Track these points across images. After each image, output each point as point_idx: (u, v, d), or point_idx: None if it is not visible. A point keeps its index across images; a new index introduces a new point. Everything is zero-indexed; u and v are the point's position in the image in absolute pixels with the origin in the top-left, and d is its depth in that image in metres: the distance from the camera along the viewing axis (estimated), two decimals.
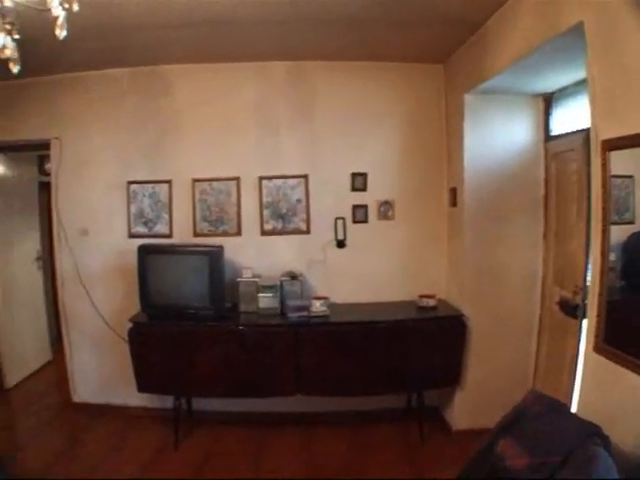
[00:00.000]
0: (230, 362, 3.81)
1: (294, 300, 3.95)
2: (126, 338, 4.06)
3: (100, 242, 4.52)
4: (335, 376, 3.82)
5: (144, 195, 4.37)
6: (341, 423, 4.23)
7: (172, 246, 4.11)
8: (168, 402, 4.23)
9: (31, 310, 5.83)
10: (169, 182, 4.33)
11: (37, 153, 5.66)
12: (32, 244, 5.90)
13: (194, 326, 3.84)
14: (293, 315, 3.86)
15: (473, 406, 3.96)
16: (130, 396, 4.46)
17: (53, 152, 4.59)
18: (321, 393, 3.95)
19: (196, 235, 4.32)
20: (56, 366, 5.81)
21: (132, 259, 4.09)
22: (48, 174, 5.67)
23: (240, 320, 3.93)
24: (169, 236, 4.36)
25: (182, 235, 4.34)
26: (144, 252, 3.92)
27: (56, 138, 4.55)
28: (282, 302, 3.99)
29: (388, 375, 3.85)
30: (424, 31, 3.56)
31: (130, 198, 4.41)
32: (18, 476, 3.01)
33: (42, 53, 3.46)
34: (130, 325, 3.96)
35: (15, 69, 2.03)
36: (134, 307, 4.16)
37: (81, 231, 4.56)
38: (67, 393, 4.87)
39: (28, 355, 5.70)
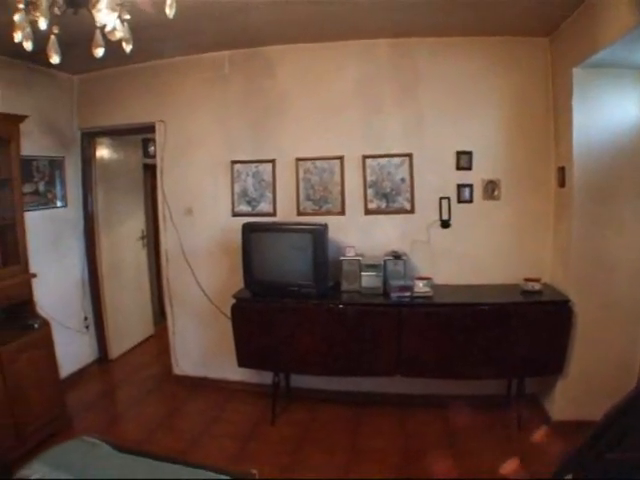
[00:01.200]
0: (331, 340, 3.82)
1: (397, 280, 3.90)
2: (228, 314, 4.18)
3: (204, 221, 4.67)
4: (436, 358, 3.75)
5: (248, 174, 4.45)
6: (437, 406, 4.15)
7: (276, 224, 4.19)
8: (266, 378, 4.34)
9: (136, 286, 6.12)
10: (273, 161, 4.39)
11: (141, 137, 5.92)
12: (137, 223, 6.19)
13: (296, 303, 3.87)
14: (396, 295, 3.81)
15: (576, 396, 3.76)
16: (229, 370, 4.60)
17: (158, 135, 4.76)
18: (421, 375, 3.90)
19: (300, 214, 4.36)
20: (158, 340, 6.12)
21: (235, 237, 4.19)
22: (152, 156, 5.97)
23: (342, 299, 3.93)
24: (273, 215, 4.43)
25: (285, 214, 4.40)
26: (249, 230, 3.99)
27: (161, 121, 4.71)
28: (385, 282, 3.95)
29: (489, 360, 3.72)
30: (530, 2, 3.37)
31: (234, 178, 4.51)
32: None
33: (146, 38, 3.52)
34: (233, 301, 4.05)
35: (128, 48, 2.06)
36: (236, 284, 4.25)
37: (186, 210, 4.71)
38: (168, 365, 5.09)
39: (132, 329, 5.99)
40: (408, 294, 3.80)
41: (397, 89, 4.19)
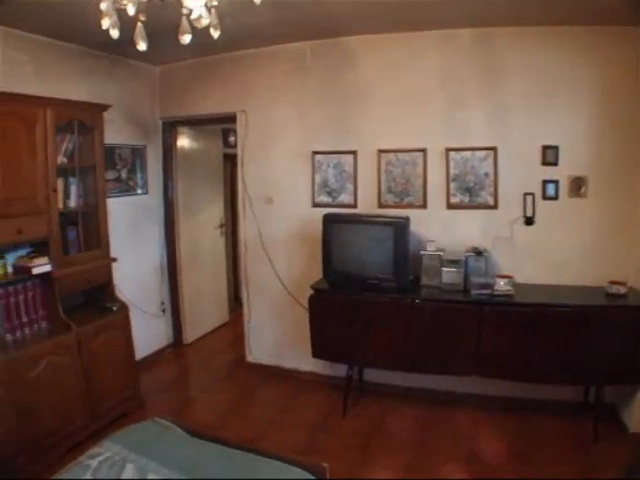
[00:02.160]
0: (408, 336, 3.76)
1: (478, 277, 3.80)
2: (304, 304, 4.21)
3: (284, 210, 4.70)
4: (514, 360, 3.62)
5: (329, 165, 4.45)
6: (509, 409, 4.03)
7: (357, 216, 4.14)
8: (338, 370, 4.35)
9: (212, 274, 6.24)
10: (354, 153, 4.35)
11: (221, 126, 6.01)
12: (216, 212, 6.30)
13: (375, 296, 3.83)
14: (476, 292, 3.71)
15: None
16: (302, 361, 4.65)
17: (239, 125, 4.81)
18: (498, 376, 3.76)
19: (381, 206, 4.30)
20: (232, 327, 6.22)
21: (314, 228, 4.20)
22: (232, 146, 6.09)
23: (422, 294, 3.86)
24: (353, 206, 4.40)
25: (366, 206, 4.35)
26: (329, 221, 3.98)
27: (242, 111, 4.76)
28: (465, 278, 3.86)
29: (568, 364, 3.55)
30: None
31: (314, 168, 4.51)
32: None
33: (227, 29, 3.54)
34: (311, 292, 4.05)
35: (216, 34, 2.04)
36: (313, 275, 4.26)
37: (266, 200, 4.76)
38: (241, 353, 5.17)
39: (207, 315, 6.10)
40: (488, 292, 3.69)
41: (480, 80, 4.04)
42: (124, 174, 4.91)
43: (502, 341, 3.60)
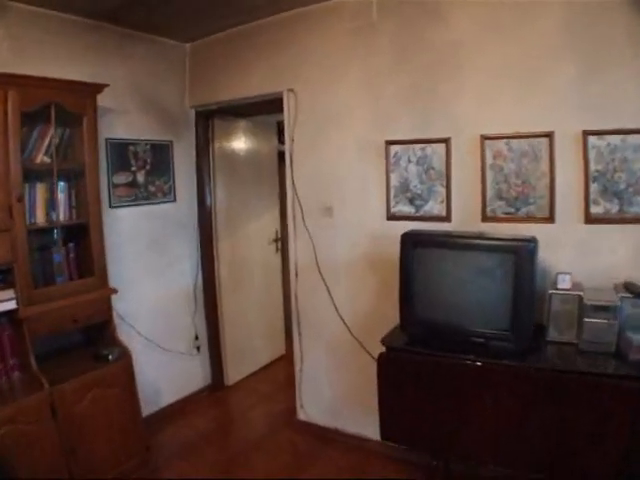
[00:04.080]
0: (527, 422, 2.39)
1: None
2: (372, 352, 3.11)
3: (347, 224, 3.45)
4: None
5: (410, 160, 3.11)
6: None
7: (453, 236, 2.71)
8: None
9: (265, 298, 5.15)
10: (446, 141, 2.98)
11: (277, 119, 4.81)
12: (271, 222, 5.19)
13: (479, 362, 2.46)
14: (637, 357, 2.32)
15: None
16: (368, 426, 3.37)
17: (286, 108, 3.65)
18: None
19: (486, 219, 2.91)
20: (289, 362, 4.96)
21: (390, 249, 2.89)
22: None
23: (549, 357, 2.47)
24: (445, 219, 3.03)
25: (464, 219, 2.99)
26: (412, 243, 2.65)
27: (290, 90, 3.59)
28: (619, 333, 2.45)
29: None
30: None
31: (389, 165, 3.18)
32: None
33: None
34: (381, 349, 2.76)
35: None
36: (387, 314, 3.05)
37: (323, 210, 3.54)
38: (293, 404, 4.01)
39: (257, 349, 5.06)
40: None
41: (630, 33, 2.63)
42: (141, 177, 3.88)
43: None
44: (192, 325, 4.39)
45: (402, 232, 2.74)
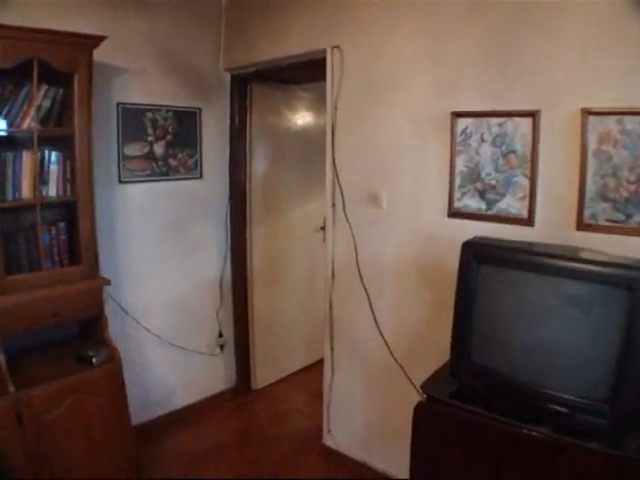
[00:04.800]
0: None
1: None
2: (416, 382, 2.36)
3: (396, 218, 2.71)
4: None
5: (483, 139, 2.31)
6: None
7: (535, 253, 1.84)
8: None
9: (306, 292, 4.45)
10: (533, 115, 2.14)
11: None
12: (317, 208, 4.41)
13: (556, 439, 1.67)
14: None
15: None
16: (403, 465, 2.57)
17: (330, 69, 2.94)
18: None
19: (582, 227, 2.07)
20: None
21: (450, 257, 2.15)
22: None
23: None
24: (526, 222, 2.20)
25: (552, 224, 2.16)
26: (474, 256, 1.88)
27: (335, 47, 2.87)
28: None
29: None
30: None
31: (456, 144, 2.40)
32: None
33: None
34: (420, 397, 2.08)
35: None
36: (438, 341, 2.34)
37: (368, 197, 2.82)
38: (321, 420, 3.37)
39: (292, 349, 4.46)
40: None
41: None
42: (159, 149, 3.31)
43: None
44: (216, 321, 3.83)
45: (466, 235, 2.02)
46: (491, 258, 1.86)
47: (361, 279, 2.88)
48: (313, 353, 4.44)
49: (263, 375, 4.19)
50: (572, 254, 1.79)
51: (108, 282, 2.69)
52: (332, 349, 3.14)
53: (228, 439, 3.51)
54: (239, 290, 3.95)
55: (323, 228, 4.36)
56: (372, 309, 2.85)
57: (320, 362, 4.40)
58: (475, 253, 1.87)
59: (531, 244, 1.98)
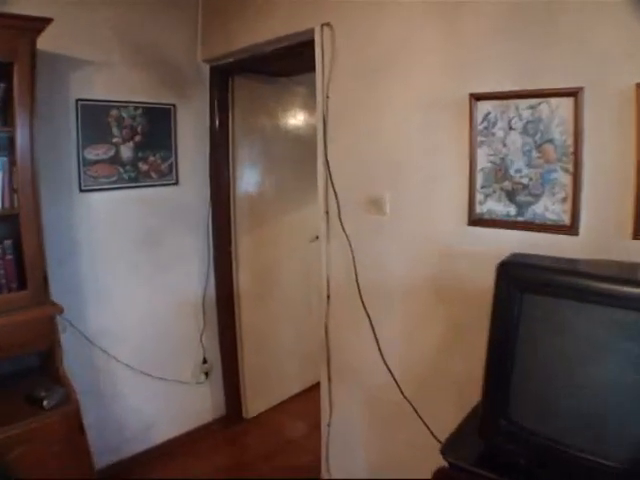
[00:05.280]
0: None
1: None
2: (430, 423, 2.10)
3: (404, 227, 2.26)
4: None
5: (510, 127, 1.84)
6: None
7: (605, 278, 1.29)
8: None
9: (301, 309, 4.05)
10: (575, 94, 1.68)
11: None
12: (312, 215, 4.08)
13: None
14: None
15: None
16: None
17: (319, 50, 2.50)
18: None
19: (639, 235, 1.65)
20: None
21: (471, 273, 1.81)
22: None
23: None
24: (568, 230, 1.72)
25: (602, 231, 1.69)
26: (515, 282, 1.36)
27: (325, 25, 2.44)
28: None
29: None
30: None
31: (476, 134, 1.93)
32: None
33: None
34: (442, 424, 1.68)
35: None
36: (458, 373, 1.99)
37: (369, 203, 2.38)
38: (318, 456, 2.97)
39: (287, 374, 4.03)
40: None
41: None
42: (127, 152, 2.90)
43: None
44: (199, 345, 3.40)
45: (491, 247, 1.58)
46: (540, 285, 1.35)
47: (361, 300, 2.44)
48: (310, 376, 4.01)
49: (255, 402, 3.78)
50: None
51: (60, 310, 2.27)
52: (329, 380, 2.71)
53: (217, 474, 3.10)
54: (225, 309, 3.53)
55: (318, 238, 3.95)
56: (375, 335, 2.40)
57: (318, 385, 4.03)
58: (517, 277, 1.37)
59: (597, 263, 1.48)
